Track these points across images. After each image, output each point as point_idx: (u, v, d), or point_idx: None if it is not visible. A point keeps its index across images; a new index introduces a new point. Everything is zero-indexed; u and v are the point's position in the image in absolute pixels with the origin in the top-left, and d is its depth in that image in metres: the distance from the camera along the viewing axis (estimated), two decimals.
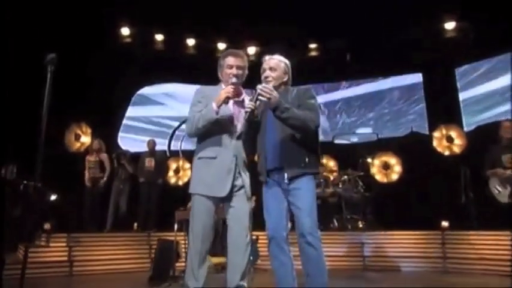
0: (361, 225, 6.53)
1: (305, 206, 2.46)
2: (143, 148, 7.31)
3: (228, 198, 2.58)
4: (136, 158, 7.08)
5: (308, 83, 8.96)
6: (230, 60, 2.69)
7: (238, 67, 2.68)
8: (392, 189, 7.68)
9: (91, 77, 7.38)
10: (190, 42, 8.81)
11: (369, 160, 7.50)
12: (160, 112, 9.02)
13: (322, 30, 8.09)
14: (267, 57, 2.70)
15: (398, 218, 6.66)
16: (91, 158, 6.82)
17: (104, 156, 6.90)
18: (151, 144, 7.13)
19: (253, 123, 2.65)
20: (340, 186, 6.87)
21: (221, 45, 8.82)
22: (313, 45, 8.95)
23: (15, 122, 4.93)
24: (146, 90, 9.07)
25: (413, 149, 7.59)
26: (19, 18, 6.24)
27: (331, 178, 7.12)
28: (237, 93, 2.64)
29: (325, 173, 7.16)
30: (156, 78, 8.84)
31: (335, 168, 7.88)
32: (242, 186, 2.61)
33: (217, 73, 2.75)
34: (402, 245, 5.70)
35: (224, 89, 2.59)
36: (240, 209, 2.59)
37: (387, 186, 7.80)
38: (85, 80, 7.31)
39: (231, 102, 2.64)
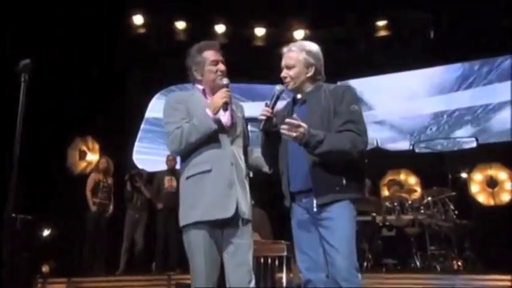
0: (455, 266, 6.25)
1: (340, 243, 2.43)
2: (162, 165, 7.36)
3: (230, 224, 2.60)
4: (152, 178, 7.18)
5: (375, 73, 8.92)
6: (211, 54, 2.73)
7: (223, 62, 2.74)
8: (501, 214, 7.39)
9: (97, 79, 7.67)
10: (220, 29, 8.84)
11: (465, 175, 7.27)
12: None
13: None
14: (285, 49, 2.71)
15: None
16: (98, 178, 6.94)
17: (111, 181, 7.06)
18: (172, 160, 7.13)
19: (272, 133, 2.64)
20: (423, 211, 6.63)
21: (259, 31, 8.86)
22: (381, 22, 8.73)
23: None
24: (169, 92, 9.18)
25: None
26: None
27: (410, 201, 6.88)
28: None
29: (401, 194, 7.03)
30: (178, 76, 8.85)
31: (416, 187, 7.71)
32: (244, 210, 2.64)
33: (190, 74, 2.80)
34: None
35: (219, 94, 2.63)
36: (243, 247, 2.62)
37: (494, 210, 7.55)
38: (90, 83, 7.58)
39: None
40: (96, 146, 8.09)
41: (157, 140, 8.83)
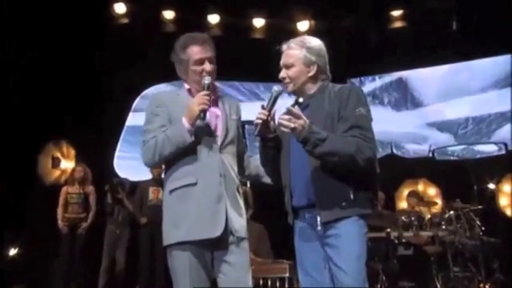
0: None
1: (348, 264, 2.44)
2: (147, 174, 7.24)
3: (220, 244, 2.59)
4: (135, 188, 7.17)
5: (386, 71, 8.89)
6: (196, 52, 2.68)
7: (210, 60, 2.69)
8: None
9: (73, 75, 7.59)
10: (213, 19, 8.78)
11: (493, 186, 7.19)
12: None
13: None
14: (284, 46, 2.71)
15: None
16: (72, 190, 6.90)
17: (91, 189, 6.98)
18: (158, 168, 6.96)
19: (269, 140, 2.64)
20: (445, 226, 6.58)
21: (258, 22, 8.81)
22: (396, 12, 8.69)
23: None
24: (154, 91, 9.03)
25: None
26: None
27: (429, 215, 6.89)
28: (213, 98, 2.67)
29: (420, 207, 7.05)
30: (166, 72, 8.75)
31: (436, 200, 7.69)
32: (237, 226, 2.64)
33: (177, 70, 2.78)
34: None
35: (196, 99, 2.59)
36: (240, 264, 2.61)
37: None
38: (64, 80, 7.52)
39: None
40: (72, 152, 8.04)
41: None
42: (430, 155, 8.37)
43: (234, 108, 2.82)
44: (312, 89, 2.66)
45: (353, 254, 2.45)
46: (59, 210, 6.77)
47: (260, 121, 2.50)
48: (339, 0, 8.34)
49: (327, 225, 2.48)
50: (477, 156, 8.20)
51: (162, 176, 6.54)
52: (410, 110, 8.91)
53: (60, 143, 7.98)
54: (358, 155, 2.41)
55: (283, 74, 2.67)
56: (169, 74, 8.85)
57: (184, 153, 2.60)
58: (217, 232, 2.53)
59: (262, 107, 2.55)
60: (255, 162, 2.90)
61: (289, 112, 2.41)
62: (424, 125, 8.73)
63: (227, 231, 2.56)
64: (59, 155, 7.96)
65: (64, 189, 6.92)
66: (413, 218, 6.57)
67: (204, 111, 2.56)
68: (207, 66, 2.66)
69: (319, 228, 2.50)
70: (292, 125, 2.38)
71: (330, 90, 2.61)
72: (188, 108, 2.59)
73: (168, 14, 8.73)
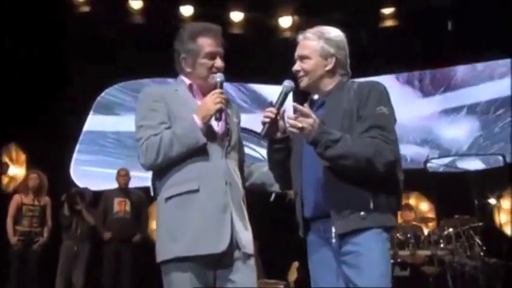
0: None
1: (370, 286, 2.38)
2: (111, 183, 7.27)
3: (225, 261, 2.55)
4: (98, 199, 7.14)
5: (376, 73, 8.98)
6: (209, 44, 2.65)
7: (221, 55, 2.68)
8: None
9: (24, 69, 7.56)
10: (186, 11, 8.72)
11: (493, 201, 7.22)
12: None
13: None
14: (300, 36, 2.71)
15: None
16: (27, 201, 6.80)
17: (47, 200, 6.90)
18: (125, 176, 7.13)
19: (278, 142, 2.63)
20: (443, 245, 6.66)
21: (236, 16, 8.81)
22: (386, 10, 8.83)
23: None
24: (117, 90, 9.01)
25: None
26: None
27: (426, 232, 6.98)
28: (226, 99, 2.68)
29: (415, 223, 7.16)
30: (133, 69, 8.76)
31: (431, 215, 7.89)
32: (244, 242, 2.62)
33: (177, 61, 2.74)
34: None
35: (211, 97, 2.56)
36: (246, 286, 2.56)
37: None
38: (14, 75, 7.49)
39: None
40: (22, 157, 7.91)
41: (105, 150, 8.77)
42: (422, 166, 8.45)
43: (235, 111, 2.82)
44: (328, 85, 2.63)
45: (376, 274, 2.40)
46: (9, 222, 6.64)
47: (268, 120, 2.48)
48: None
49: (344, 238, 2.44)
50: (473, 169, 8.21)
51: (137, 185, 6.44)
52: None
53: (9, 147, 7.87)
54: (377, 158, 2.37)
55: (297, 66, 2.64)
56: (134, 72, 8.80)
57: (185, 157, 2.56)
58: (223, 246, 2.48)
59: (271, 104, 2.54)
60: (259, 169, 2.90)
61: (297, 110, 2.39)
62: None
63: (232, 246, 2.52)
64: (7, 160, 7.81)
65: (17, 198, 6.78)
66: (409, 235, 6.60)
67: (220, 111, 2.53)
68: (219, 62, 2.64)
69: (333, 240, 2.47)
70: (300, 125, 2.35)
71: (350, 87, 2.57)
72: (202, 105, 2.56)
73: (136, 4, 8.64)
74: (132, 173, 7.21)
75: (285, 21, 8.79)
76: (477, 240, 6.64)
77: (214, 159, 2.60)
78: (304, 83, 2.63)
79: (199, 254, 2.47)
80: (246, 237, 2.59)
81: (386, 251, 2.46)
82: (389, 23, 8.86)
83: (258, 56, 8.39)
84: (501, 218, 7.51)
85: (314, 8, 8.42)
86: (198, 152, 2.56)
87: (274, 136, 2.60)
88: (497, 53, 8.49)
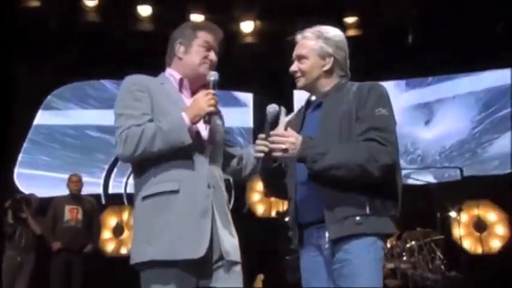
0: None
1: None
2: (61, 189, 7.13)
3: (207, 269, 2.50)
4: (45, 206, 6.96)
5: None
6: (208, 37, 2.68)
7: (216, 52, 2.70)
8: (493, 264, 7.64)
9: None
10: (144, 10, 8.60)
11: (453, 214, 7.37)
12: (92, 121, 8.92)
13: None
14: (298, 36, 2.73)
15: None
16: None
17: None
18: (76, 182, 7.01)
19: (274, 169, 2.64)
20: (405, 258, 6.71)
21: (196, 18, 8.52)
22: (349, 19, 8.81)
23: None
24: (69, 88, 9.00)
25: None
26: None
27: (389, 245, 6.90)
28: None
29: None
30: (87, 68, 8.71)
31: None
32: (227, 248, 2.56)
33: (169, 50, 2.74)
34: None
35: (205, 98, 2.51)
36: None
37: (484, 259, 7.76)
38: None
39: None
40: None
41: (55, 152, 8.69)
42: None
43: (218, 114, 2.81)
44: (326, 85, 2.64)
45: (365, 285, 2.38)
46: None
47: (261, 155, 2.50)
48: (288, 1, 8.42)
49: (337, 244, 2.42)
50: (434, 182, 8.45)
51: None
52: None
53: None
54: (370, 163, 2.37)
55: (294, 67, 2.66)
56: (91, 70, 8.61)
57: (168, 155, 2.51)
58: (201, 252, 2.41)
59: (259, 138, 2.53)
60: (249, 158, 2.82)
61: (272, 136, 2.42)
62: None
63: (215, 253, 2.48)
64: None
65: None
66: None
67: (211, 114, 2.51)
68: (213, 56, 2.65)
69: (326, 246, 2.46)
70: (283, 146, 2.39)
71: (349, 88, 2.58)
72: (194, 105, 2.51)
73: (90, 2, 8.43)
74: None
75: (247, 26, 8.69)
76: (438, 253, 6.73)
77: (199, 165, 2.55)
78: (301, 83, 2.65)
79: (175, 259, 2.41)
80: (231, 244, 2.54)
81: (378, 261, 2.45)
82: (351, 32, 8.82)
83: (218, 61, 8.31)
84: (461, 231, 7.66)
85: (276, 14, 8.46)
86: (181, 153, 2.51)
87: (271, 166, 2.61)
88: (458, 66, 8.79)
